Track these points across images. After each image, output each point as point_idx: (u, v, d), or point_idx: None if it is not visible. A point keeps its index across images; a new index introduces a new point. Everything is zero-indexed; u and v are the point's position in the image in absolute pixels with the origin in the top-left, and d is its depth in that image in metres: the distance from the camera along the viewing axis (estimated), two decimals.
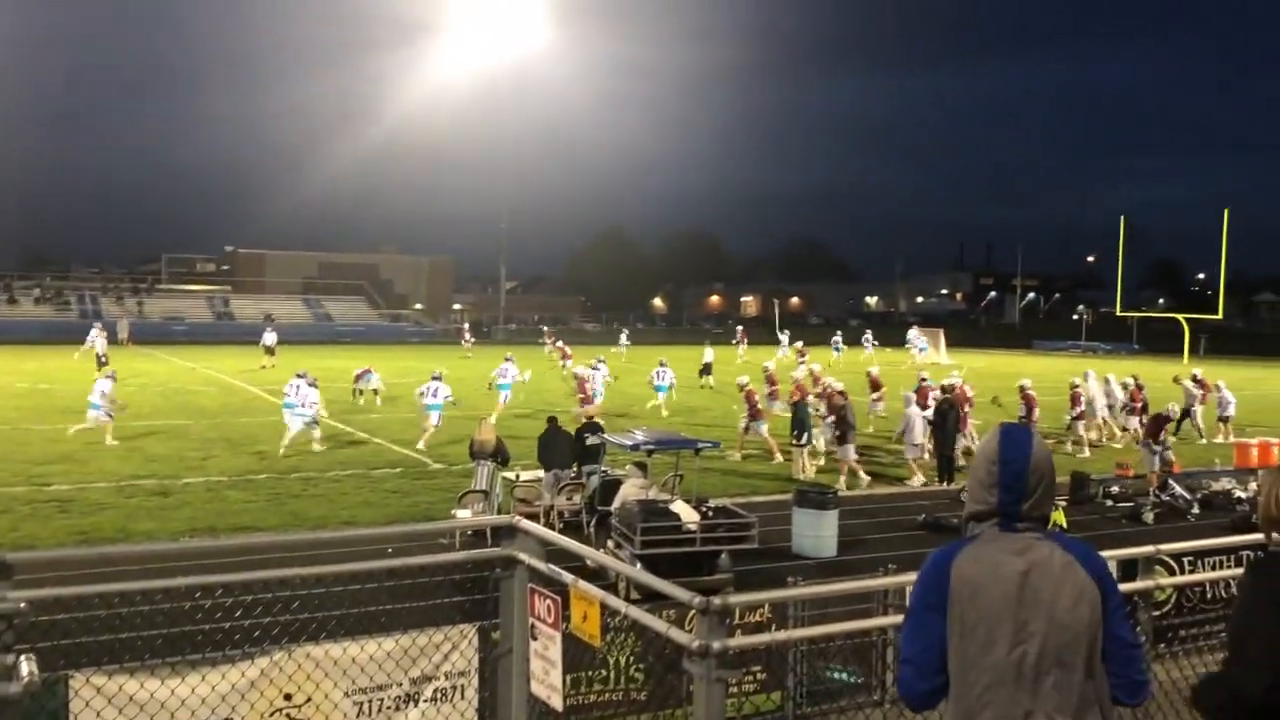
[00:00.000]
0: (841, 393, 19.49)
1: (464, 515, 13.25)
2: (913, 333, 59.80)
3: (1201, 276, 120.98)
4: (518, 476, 15.51)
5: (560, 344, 45.85)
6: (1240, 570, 3.77)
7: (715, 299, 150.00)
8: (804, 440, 19.14)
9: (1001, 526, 3.00)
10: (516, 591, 4.59)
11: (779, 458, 20.78)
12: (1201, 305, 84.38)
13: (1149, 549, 4.94)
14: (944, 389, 21.13)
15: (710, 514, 11.99)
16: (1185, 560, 9.47)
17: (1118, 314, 73.54)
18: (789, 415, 20.61)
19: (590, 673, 7.74)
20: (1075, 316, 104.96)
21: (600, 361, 30.44)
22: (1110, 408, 25.22)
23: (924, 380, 22.59)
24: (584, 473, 14.88)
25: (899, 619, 8.52)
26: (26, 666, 3.51)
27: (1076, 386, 24.07)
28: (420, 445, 21.79)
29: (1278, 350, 69.47)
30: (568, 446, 15.32)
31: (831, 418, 19.36)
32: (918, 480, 19.02)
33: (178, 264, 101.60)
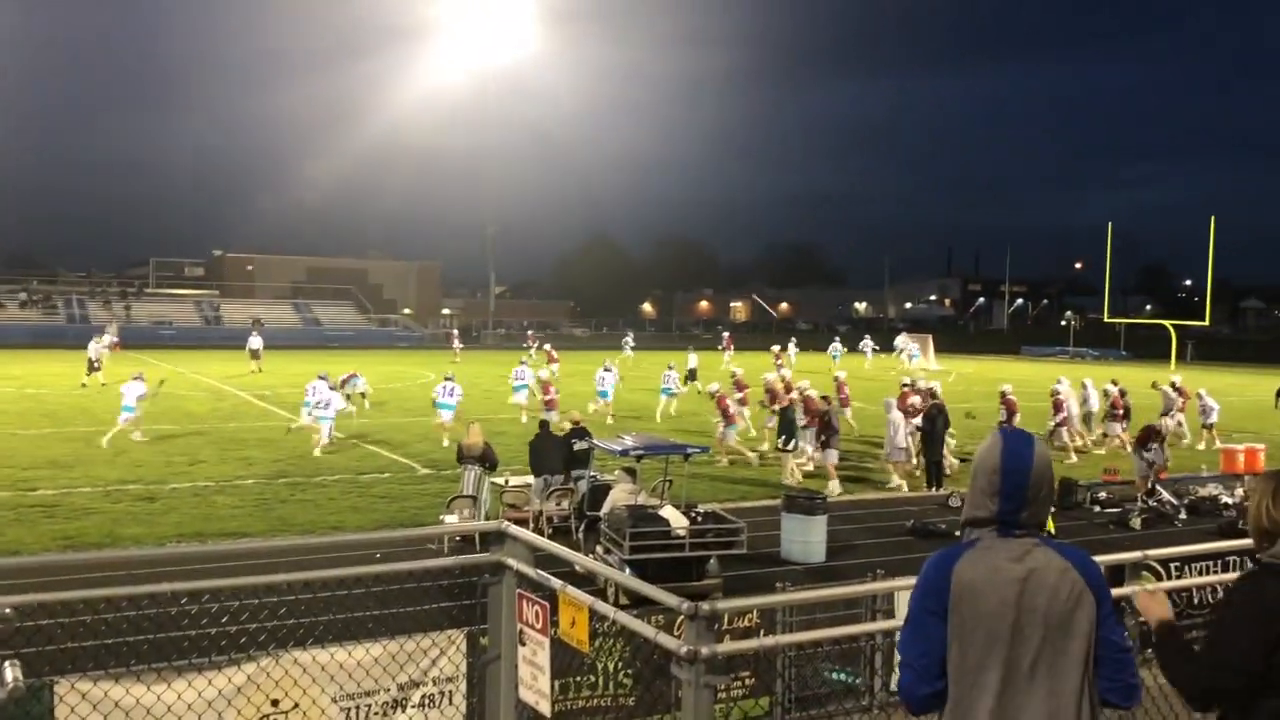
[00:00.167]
0: (825, 398, 19.53)
1: (452, 520, 13.22)
2: (901, 339, 60.01)
3: (1189, 283, 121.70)
4: (506, 481, 15.50)
5: (548, 347, 45.90)
6: (1226, 575, 3.79)
7: (704, 304, 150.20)
8: (791, 445, 19.17)
9: (1000, 532, 3.03)
10: (505, 597, 4.59)
11: (750, 457, 21.06)
12: (1189, 311, 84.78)
13: (1136, 554, 4.96)
14: (932, 394, 21.21)
15: (699, 519, 11.98)
16: (1172, 565, 9.50)
17: (1105, 320, 73.91)
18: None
19: (579, 678, 7.72)
20: (1063, 322, 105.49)
21: (610, 366, 30.71)
22: (1089, 415, 25.33)
23: (905, 386, 22.73)
24: (573, 478, 14.87)
25: (887, 624, 8.53)
26: (11, 672, 3.49)
27: (1059, 393, 24.21)
28: (445, 443, 22.13)
29: (1264, 356, 69.82)
30: (558, 451, 15.29)
31: (804, 421, 19.46)
32: (895, 482, 19.10)
33: (165, 268, 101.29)
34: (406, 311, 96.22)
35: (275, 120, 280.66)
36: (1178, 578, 9.26)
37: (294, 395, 31.21)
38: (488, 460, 14.22)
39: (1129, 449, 24.12)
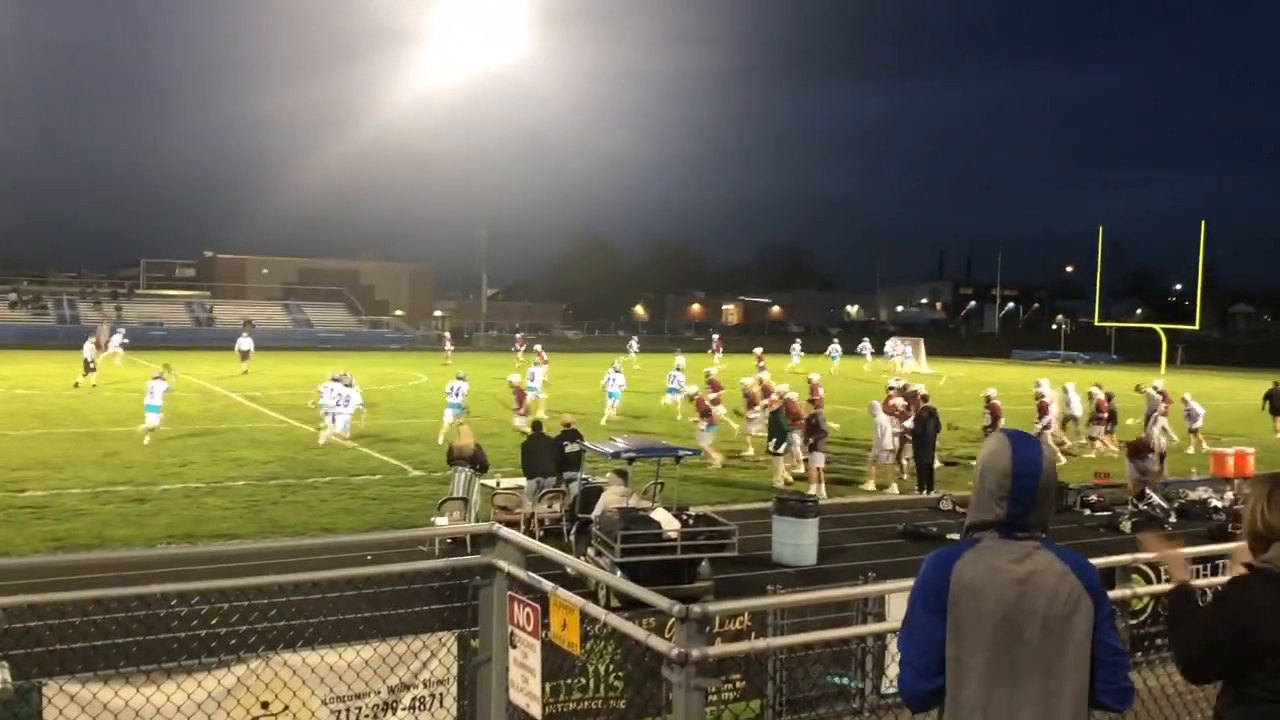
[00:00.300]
0: (812, 401, 19.55)
1: (443, 522, 13.21)
2: (892, 342, 60.27)
3: (1179, 287, 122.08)
4: (498, 483, 15.48)
5: (538, 348, 45.94)
6: (1216, 579, 3.82)
7: (696, 307, 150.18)
8: (782, 448, 19.19)
9: (1002, 534, 3.04)
10: (496, 599, 4.58)
11: (716, 461, 21.14)
12: (1179, 316, 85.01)
13: (1126, 558, 4.97)
14: (923, 398, 21.26)
15: (691, 522, 11.99)
16: (1162, 569, 9.52)
17: (1096, 324, 74.13)
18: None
19: (569, 681, 7.72)
20: (1054, 326, 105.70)
21: (619, 367, 31.07)
22: (1070, 419, 25.41)
23: (891, 389, 22.87)
24: (565, 480, 14.86)
25: (878, 627, 8.53)
26: (0, 674, 3.48)
27: (1043, 396, 24.34)
28: (440, 440, 22.74)
29: (1253, 361, 70.10)
30: (550, 453, 15.29)
31: (767, 419, 19.67)
32: (871, 485, 19.16)
33: (156, 269, 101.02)
34: (398, 313, 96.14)
35: (268, 121, 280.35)
36: (1167, 581, 9.30)
37: (285, 397, 31.26)
38: (479, 462, 14.20)
39: (1112, 450, 24.35)
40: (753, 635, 8.13)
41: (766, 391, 23.50)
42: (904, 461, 20.03)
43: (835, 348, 56.60)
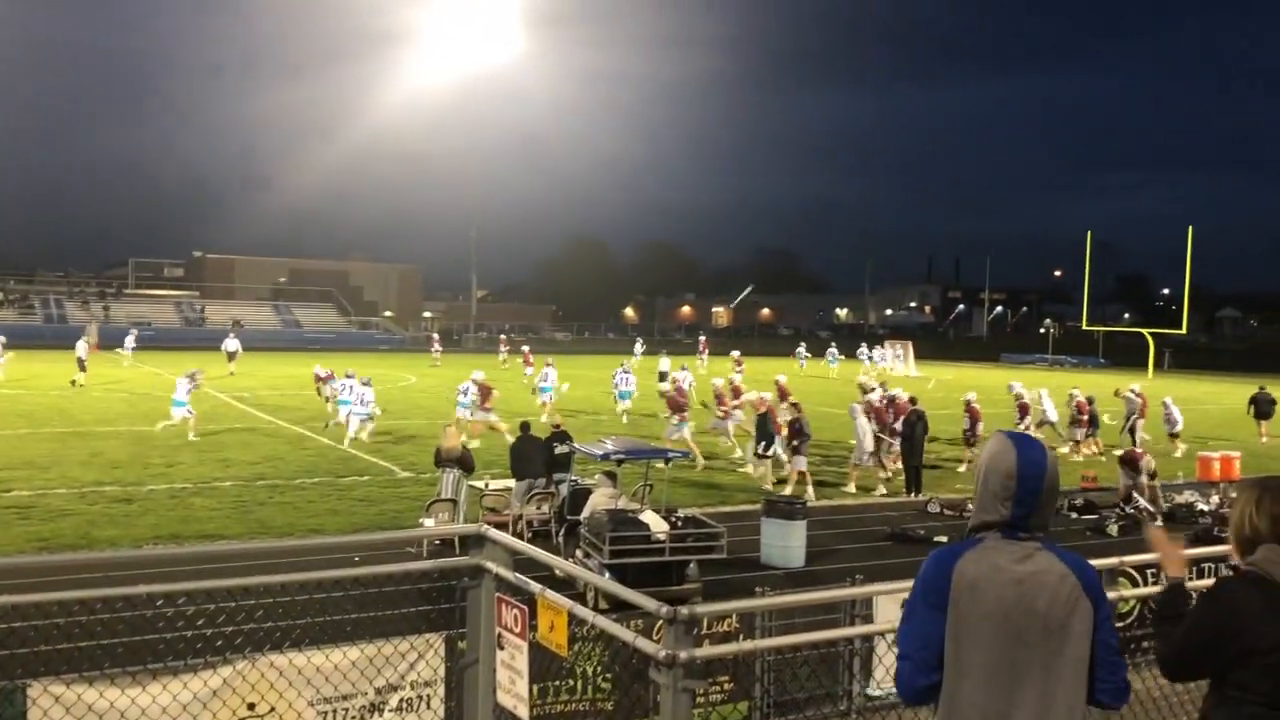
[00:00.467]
0: (795, 404, 19.57)
1: (431, 524, 13.18)
2: (866, 347, 60.96)
3: (1166, 292, 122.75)
4: (486, 485, 15.46)
5: (525, 349, 45.99)
6: (1202, 581, 3.84)
7: (686, 309, 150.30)
8: (768, 451, 19.21)
9: (1005, 534, 3.07)
10: (484, 600, 4.57)
11: (698, 460, 21.25)
12: (1166, 320, 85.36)
13: (1113, 561, 4.99)
14: (911, 400, 21.31)
15: (679, 524, 11.98)
16: (1149, 572, 9.56)
17: (1084, 328, 74.36)
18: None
19: (557, 682, 7.70)
20: (1042, 330, 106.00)
21: (627, 369, 31.50)
22: (1045, 424, 25.50)
23: (871, 389, 23.04)
24: (554, 481, 14.84)
25: (866, 629, 8.52)
26: None
27: (1022, 396, 24.47)
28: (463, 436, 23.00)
29: (1240, 365, 70.46)
30: (540, 455, 15.26)
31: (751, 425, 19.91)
32: (851, 488, 19.21)
33: (144, 269, 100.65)
34: (388, 314, 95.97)
35: (258, 122, 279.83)
36: (1154, 584, 9.33)
37: (273, 397, 31.17)
38: (465, 463, 14.18)
39: (1096, 453, 24.51)
40: (741, 637, 8.13)
41: (736, 393, 23.79)
42: (883, 461, 20.10)
43: (833, 351, 57.29)
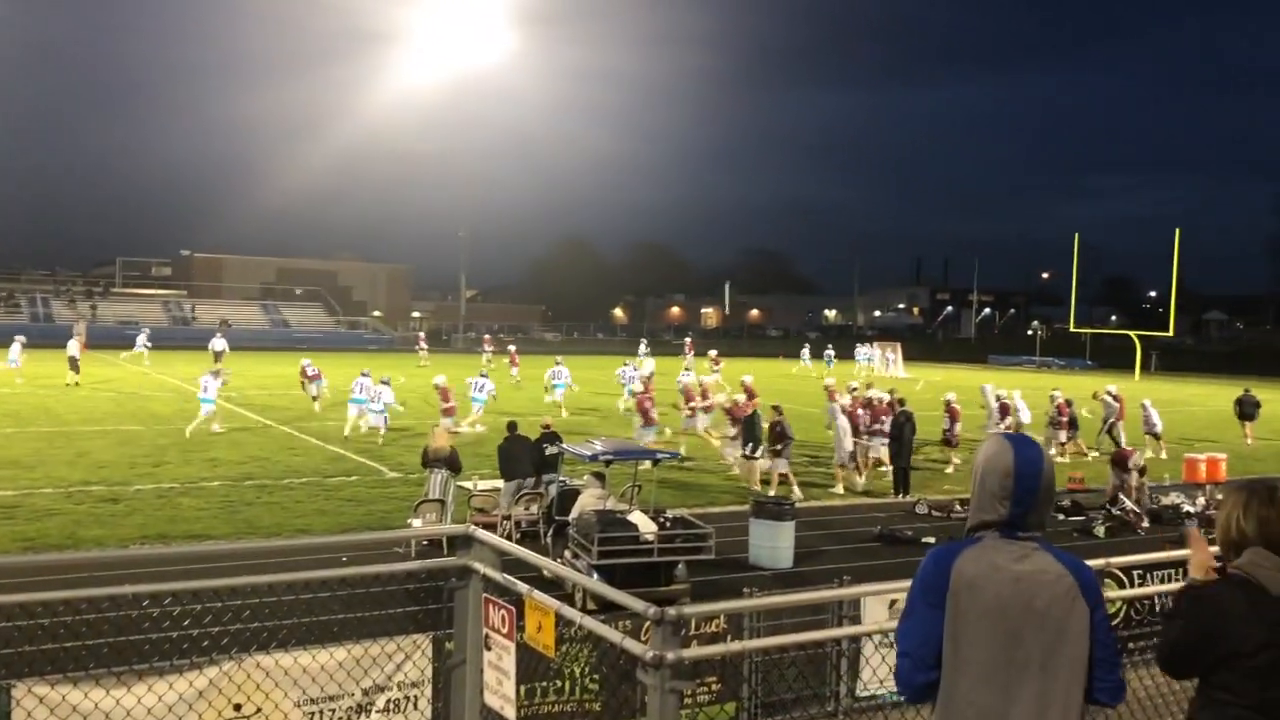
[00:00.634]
0: (776, 407, 19.61)
1: (419, 524, 13.16)
2: (865, 348, 61.17)
3: (1153, 294, 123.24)
4: (474, 485, 15.44)
5: (511, 349, 45.94)
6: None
7: (676, 310, 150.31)
8: (756, 452, 19.24)
9: (1003, 534, 3.10)
10: (471, 601, 4.56)
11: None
12: (1153, 322, 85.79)
13: (1100, 562, 5.00)
14: (899, 401, 21.38)
15: (667, 524, 11.99)
16: (1135, 573, 9.60)
17: (1071, 330, 74.61)
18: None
19: (545, 683, 7.70)
20: (1030, 332, 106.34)
21: (634, 370, 32.07)
22: (1019, 426, 25.60)
23: (852, 390, 23.19)
24: (543, 482, 14.83)
25: (854, 630, 8.52)
26: None
27: (1001, 396, 24.60)
28: (464, 428, 24.40)
29: (1226, 367, 70.76)
30: (528, 455, 15.25)
31: (734, 431, 20.15)
32: (839, 489, 19.25)
33: (132, 268, 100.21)
34: (376, 314, 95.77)
35: (246, 122, 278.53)
36: (1140, 585, 9.38)
37: (261, 397, 31.08)
38: (453, 464, 14.16)
39: (1083, 453, 24.64)
40: (728, 638, 8.13)
41: (705, 393, 24.14)
42: (858, 463, 20.21)
43: (830, 352, 58.04)
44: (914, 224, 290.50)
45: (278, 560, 7.26)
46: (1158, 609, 10.29)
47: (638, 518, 11.87)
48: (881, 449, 20.72)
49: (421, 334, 64.60)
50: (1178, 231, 60.98)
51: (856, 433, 20.11)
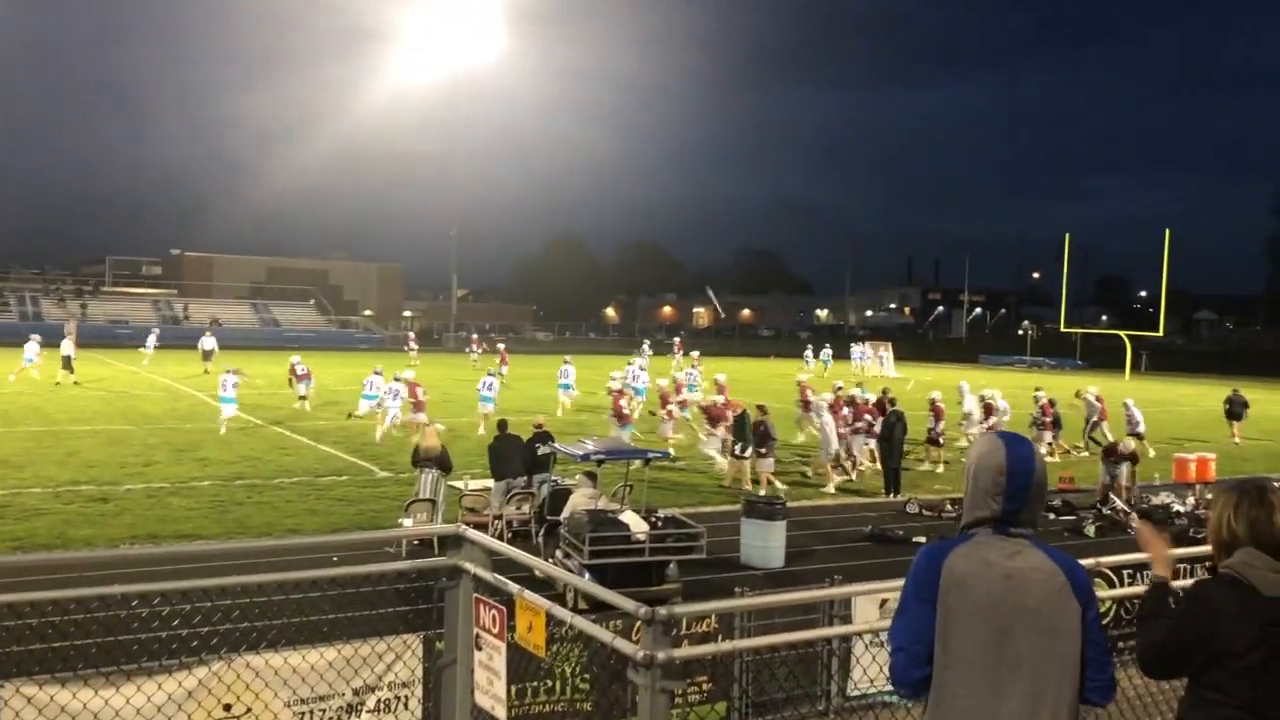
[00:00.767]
0: (760, 407, 19.63)
1: (410, 524, 13.13)
2: (860, 347, 61.29)
3: (1144, 294, 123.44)
4: (465, 485, 15.41)
5: (501, 347, 45.92)
6: (1178, 583, 3.86)
7: (668, 309, 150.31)
8: (745, 453, 19.25)
9: (995, 530, 3.11)
10: (461, 601, 4.55)
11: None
12: (1144, 322, 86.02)
13: (1090, 562, 5.01)
14: (891, 401, 21.41)
15: (659, 524, 11.98)
16: (1125, 573, 9.62)
17: (1062, 329, 74.85)
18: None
19: (535, 683, 7.69)
20: (1021, 332, 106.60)
21: (642, 370, 32.49)
22: (999, 425, 25.69)
23: (839, 388, 23.26)
24: (535, 482, 14.81)
25: (845, 629, 8.52)
26: None
27: (985, 396, 24.67)
28: (481, 430, 24.50)
29: (1216, 367, 71.07)
30: (520, 455, 15.23)
31: (717, 430, 20.45)
32: (831, 488, 19.28)
33: (122, 266, 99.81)
34: (367, 313, 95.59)
35: (237, 120, 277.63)
36: (1130, 585, 9.40)
37: (251, 396, 30.95)
38: (444, 464, 14.14)
39: (1070, 451, 24.72)
40: (719, 637, 8.14)
41: (678, 389, 24.32)
42: (842, 463, 20.26)
43: (827, 352, 58.53)
44: (907, 224, 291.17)
45: (268, 560, 7.24)
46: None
47: (629, 517, 11.86)
48: (865, 446, 20.83)
49: (412, 333, 64.45)
50: (1168, 232, 61.35)
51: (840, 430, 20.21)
